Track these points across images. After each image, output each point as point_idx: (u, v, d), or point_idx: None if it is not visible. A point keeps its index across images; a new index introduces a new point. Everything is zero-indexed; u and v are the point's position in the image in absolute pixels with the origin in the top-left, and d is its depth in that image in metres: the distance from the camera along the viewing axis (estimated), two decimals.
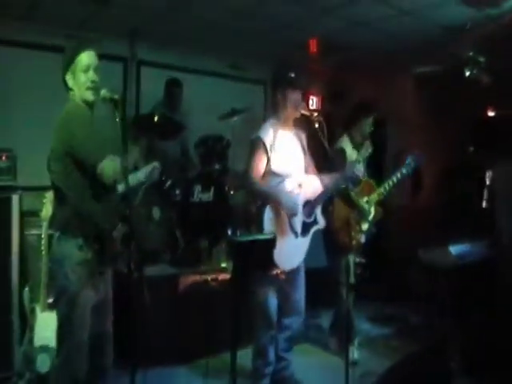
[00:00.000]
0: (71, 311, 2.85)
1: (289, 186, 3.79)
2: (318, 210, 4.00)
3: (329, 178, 3.94)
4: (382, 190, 4.64)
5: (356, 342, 4.89)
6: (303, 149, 4.08)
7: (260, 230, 3.65)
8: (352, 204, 4.52)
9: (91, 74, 2.95)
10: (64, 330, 2.92)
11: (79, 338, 2.89)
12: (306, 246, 3.94)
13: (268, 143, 3.78)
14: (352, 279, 4.74)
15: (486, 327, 4.37)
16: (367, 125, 4.78)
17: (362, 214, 4.61)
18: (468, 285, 4.75)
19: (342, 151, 4.72)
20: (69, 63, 2.94)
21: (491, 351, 4.10)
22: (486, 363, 4.10)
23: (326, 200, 4.08)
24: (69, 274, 2.83)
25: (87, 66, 2.95)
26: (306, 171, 4.05)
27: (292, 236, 3.78)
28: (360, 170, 3.96)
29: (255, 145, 3.80)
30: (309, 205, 3.89)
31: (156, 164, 3.34)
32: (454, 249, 4.37)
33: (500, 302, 4.46)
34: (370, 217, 4.66)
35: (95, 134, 2.90)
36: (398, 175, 4.59)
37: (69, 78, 2.95)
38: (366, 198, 4.66)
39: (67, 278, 2.84)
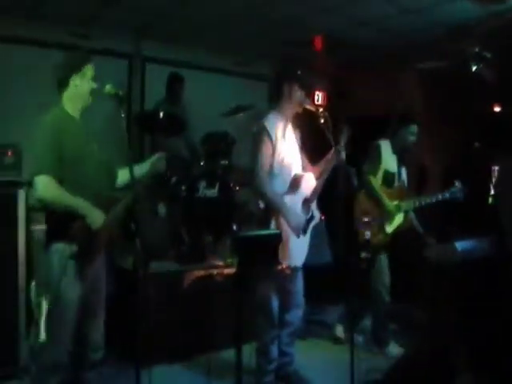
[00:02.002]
0: (57, 301, 2.97)
1: (295, 198, 3.84)
2: (314, 205, 4.02)
3: (318, 168, 4.00)
4: (417, 201, 4.75)
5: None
6: (298, 145, 4.08)
7: (267, 228, 3.69)
8: (376, 197, 4.57)
9: (94, 84, 3.18)
10: (50, 318, 3.08)
11: (64, 327, 2.98)
12: (308, 241, 3.98)
13: (273, 135, 3.74)
14: (387, 280, 4.79)
15: (491, 325, 4.36)
16: (408, 134, 4.80)
17: (386, 214, 4.68)
18: (474, 281, 4.74)
19: (377, 147, 4.78)
20: (80, 66, 3.14)
21: (496, 349, 4.10)
22: (491, 362, 4.09)
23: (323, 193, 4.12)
24: (55, 265, 2.93)
25: (93, 76, 3.18)
26: (303, 166, 4.07)
27: (294, 236, 3.80)
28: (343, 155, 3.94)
29: (261, 136, 3.73)
30: (307, 202, 3.93)
31: (162, 154, 3.45)
32: (460, 245, 4.36)
33: (506, 300, 4.45)
34: (396, 221, 4.75)
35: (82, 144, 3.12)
36: (439, 196, 4.75)
37: (76, 78, 3.12)
38: (396, 202, 4.73)
39: (53, 268, 2.93)
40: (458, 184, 4.77)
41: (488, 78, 5.65)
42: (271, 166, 3.76)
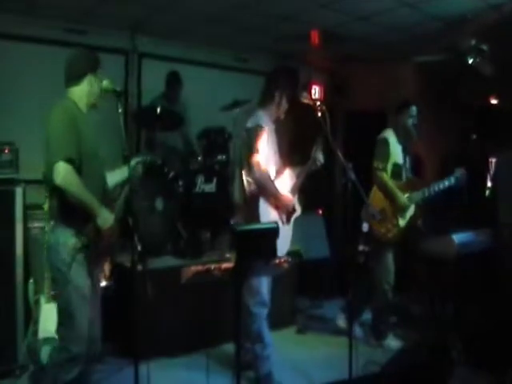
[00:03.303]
0: (72, 296, 2.94)
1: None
2: (295, 199, 4.18)
3: (298, 170, 4.19)
4: (426, 191, 4.73)
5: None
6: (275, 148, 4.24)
7: (256, 219, 3.83)
8: (390, 194, 4.59)
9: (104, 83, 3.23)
10: (66, 314, 3.01)
11: (81, 322, 2.97)
12: (290, 232, 4.15)
13: (266, 131, 3.93)
14: (392, 278, 4.81)
15: (487, 317, 4.37)
16: (408, 117, 4.84)
17: (400, 208, 4.69)
18: (470, 274, 4.75)
19: (385, 141, 4.83)
20: (96, 67, 3.21)
21: (492, 341, 4.11)
22: (487, 353, 4.11)
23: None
24: (66, 259, 2.91)
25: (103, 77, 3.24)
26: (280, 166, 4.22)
27: (280, 224, 3.87)
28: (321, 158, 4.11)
29: (258, 132, 3.89)
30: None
31: (139, 159, 3.41)
32: (457, 237, 4.37)
33: (502, 292, 4.47)
34: (409, 213, 4.76)
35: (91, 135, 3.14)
36: (446, 182, 4.72)
37: (91, 77, 3.17)
38: (407, 194, 4.74)
39: (64, 263, 2.91)
40: (460, 170, 4.74)
41: (485, 71, 5.65)
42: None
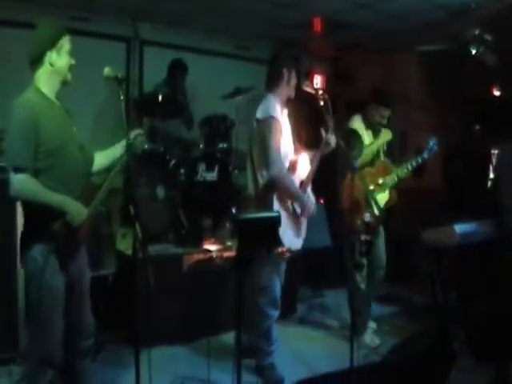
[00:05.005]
0: (41, 294, 2.75)
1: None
2: (309, 187, 4.05)
3: (312, 154, 4.02)
4: (399, 172, 4.63)
5: (372, 325, 4.88)
6: (291, 129, 4.11)
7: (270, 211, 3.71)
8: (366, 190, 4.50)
9: (72, 59, 2.94)
10: (35, 312, 2.84)
11: (51, 320, 2.83)
12: (306, 224, 4.05)
13: (279, 119, 3.77)
14: (364, 261, 4.74)
15: (489, 307, 4.37)
16: (377, 113, 4.67)
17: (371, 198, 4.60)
18: (472, 264, 4.74)
19: (355, 132, 4.65)
20: (55, 40, 2.87)
21: (494, 332, 4.11)
22: (489, 344, 4.11)
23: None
24: (37, 257, 2.75)
25: (70, 49, 2.94)
26: (295, 150, 4.09)
27: (295, 217, 3.89)
28: (332, 140, 3.94)
29: (273, 125, 3.72)
30: (303, 185, 3.96)
31: (139, 131, 3.18)
32: (459, 228, 4.34)
33: (504, 283, 4.46)
34: (383, 200, 4.64)
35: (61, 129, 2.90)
36: (419, 159, 4.64)
37: (51, 55, 2.87)
38: (381, 180, 4.62)
39: (35, 260, 2.75)
40: (431, 140, 4.70)
41: (488, 62, 5.61)
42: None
